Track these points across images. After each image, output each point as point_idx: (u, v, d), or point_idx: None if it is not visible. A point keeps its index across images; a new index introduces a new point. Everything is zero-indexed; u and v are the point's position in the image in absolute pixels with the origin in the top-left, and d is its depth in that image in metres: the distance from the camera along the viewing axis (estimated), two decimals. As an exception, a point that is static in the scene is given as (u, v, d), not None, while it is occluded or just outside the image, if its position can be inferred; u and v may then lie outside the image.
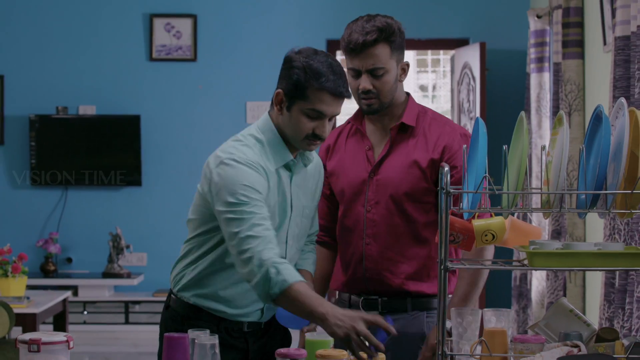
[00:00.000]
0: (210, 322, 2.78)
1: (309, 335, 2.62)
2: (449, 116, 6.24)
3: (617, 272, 4.06)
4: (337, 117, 2.80)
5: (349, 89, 2.76)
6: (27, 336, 2.32)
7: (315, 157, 2.92)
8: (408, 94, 3.05)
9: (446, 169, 2.28)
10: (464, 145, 2.41)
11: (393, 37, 2.89)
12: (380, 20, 2.90)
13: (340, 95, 2.69)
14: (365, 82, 2.90)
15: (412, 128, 2.97)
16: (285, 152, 2.77)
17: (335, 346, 2.58)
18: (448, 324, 2.67)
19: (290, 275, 2.55)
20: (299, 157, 2.83)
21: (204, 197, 2.74)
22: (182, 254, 2.86)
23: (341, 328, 2.46)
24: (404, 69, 2.96)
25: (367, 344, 2.45)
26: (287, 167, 2.79)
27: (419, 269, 2.95)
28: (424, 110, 3.02)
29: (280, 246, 2.71)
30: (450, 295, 2.93)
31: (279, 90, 2.73)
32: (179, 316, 2.83)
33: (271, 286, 2.54)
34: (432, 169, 2.91)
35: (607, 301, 4.21)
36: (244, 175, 2.65)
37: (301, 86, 2.68)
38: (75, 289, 7.17)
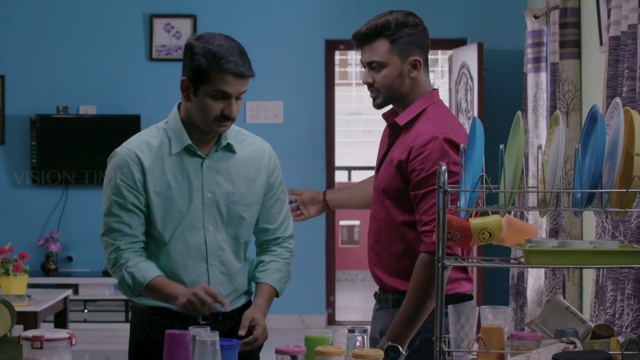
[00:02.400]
0: (164, 317, 2.93)
1: (308, 332, 2.64)
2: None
3: (602, 271, 4.09)
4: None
5: (251, 68, 2.81)
6: (30, 333, 2.35)
7: (253, 145, 2.97)
8: (431, 92, 2.97)
9: (443, 167, 2.29)
10: (462, 145, 2.41)
11: (389, 32, 2.88)
12: (382, 17, 2.91)
13: (241, 75, 2.76)
14: (366, 75, 2.95)
15: (402, 127, 2.93)
16: (183, 138, 2.86)
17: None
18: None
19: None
20: (223, 142, 2.89)
21: None
22: None
23: (184, 296, 2.78)
24: (415, 65, 2.93)
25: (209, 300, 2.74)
26: (193, 152, 2.86)
27: (399, 267, 2.92)
28: (431, 108, 2.93)
29: (197, 232, 2.85)
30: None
31: (184, 77, 2.83)
32: (138, 310, 3.05)
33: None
34: (401, 169, 2.86)
35: (597, 299, 4.23)
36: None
37: (203, 70, 2.76)
38: (75, 288, 7.19)
